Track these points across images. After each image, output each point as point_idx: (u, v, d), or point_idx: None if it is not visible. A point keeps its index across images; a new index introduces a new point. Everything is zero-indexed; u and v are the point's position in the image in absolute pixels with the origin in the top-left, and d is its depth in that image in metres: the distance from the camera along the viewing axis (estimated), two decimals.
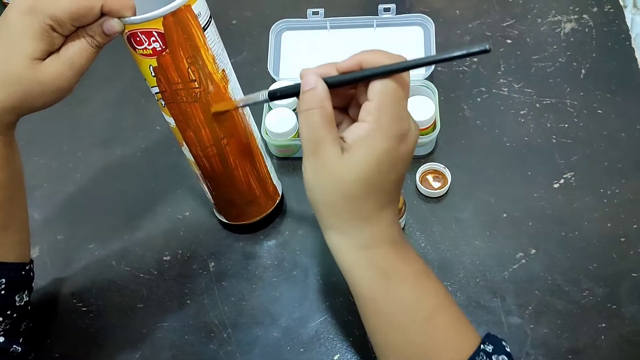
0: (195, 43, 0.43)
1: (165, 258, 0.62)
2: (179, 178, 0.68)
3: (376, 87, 0.37)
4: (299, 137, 0.61)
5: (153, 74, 0.45)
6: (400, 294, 0.41)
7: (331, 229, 0.41)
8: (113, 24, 0.41)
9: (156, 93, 0.47)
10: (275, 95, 0.43)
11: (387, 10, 0.73)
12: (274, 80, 0.70)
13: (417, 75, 0.68)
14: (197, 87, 0.46)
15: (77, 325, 0.58)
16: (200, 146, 0.51)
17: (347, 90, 0.41)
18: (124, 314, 0.58)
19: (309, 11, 0.74)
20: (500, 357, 0.40)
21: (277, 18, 0.74)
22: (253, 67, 0.76)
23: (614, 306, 0.54)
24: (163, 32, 0.41)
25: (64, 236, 0.65)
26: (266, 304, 0.57)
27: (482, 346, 0.41)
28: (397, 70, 0.37)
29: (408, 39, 0.72)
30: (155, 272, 0.61)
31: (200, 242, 0.63)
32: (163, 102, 0.47)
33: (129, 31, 0.42)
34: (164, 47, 0.42)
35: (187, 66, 0.44)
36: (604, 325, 0.53)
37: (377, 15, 0.73)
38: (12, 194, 0.48)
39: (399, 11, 0.74)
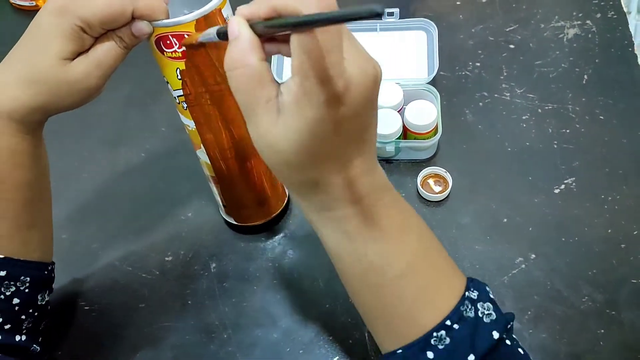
0: (223, 46, 0.44)
1: (167, 258, 0.62)
2: (182, 179, 0.68)
3: (294, 44, 0.31)
4: None
5: (179, 77, 0.45)
6: (367, 255, 0.38)
7: (287, 188, 0.39)
8: (142, 27, 0.41)
9: (179, 96, 0.47)
10: (222, 34, 0.38)
11: (390, 14, 0.74)
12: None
13: (420, 79, 0.68)
14: (222, 90, 0.46)
15: (80, 324, 0.59)
16: (219, 148, 0.51)
17: None
18: (126, 313, 0.59)
19: None
20: (485, 305, 0.38)
21: None
22: None
23: (613, 312, 0.54)
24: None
25: (68, 235, 0.66)
26: (267, 305, 0.58)
27: (466, 293, 0.39)
28: (310, 22, 0.29)
29: (411, 43, 0.73)
30: (158, 273, 0.61)
31: (203, 243, 0.63)
32: (185, 105, 0.48)
33: (158, 34, 0.42)
34: (194, 49, 0.43)
35: (215, 69, 0.44)
36: (602, 331, 0.53)
37: (381, 19, 0.74)
38: (39, 194, 0.48)
39: (402, 15, 0.74)
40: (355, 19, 0.27)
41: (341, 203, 0.37)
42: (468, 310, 0.38)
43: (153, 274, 0.61)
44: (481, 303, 0.39)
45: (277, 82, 0.34)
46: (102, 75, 0.42)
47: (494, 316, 0.38)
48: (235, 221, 0.62)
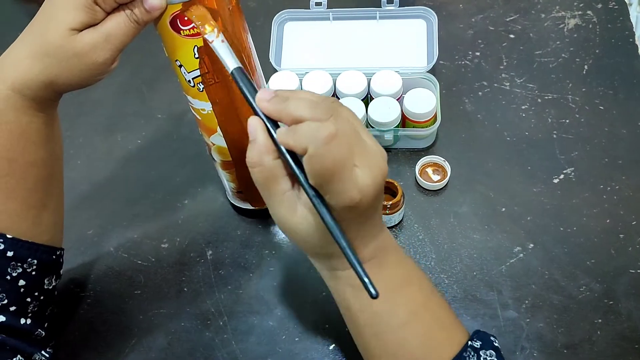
0: (237, 17, 0.44)
1: (163, 245, 0.62)
2: (179, 166, 0.68)
3: (307, 168, 0.36)
4: None
5: (196, 56, 0.44)
6: (372, 306, 0.41)
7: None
8: (154, 1, 0.41)
9: (195, 77, 0.46)
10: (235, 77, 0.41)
11: (390, 2, 0.73)
12: (275, 70, 0.70)
13: (419, 68, 0.68)
14: (241, 61, 0.46)
15: (74, 311, 0.58)
16: (239, 127, 0.50)
17: None
18: (121, 300, 0.59)
19: (312, 2, 0.74)
20: (488, 352, 0.40)
21: (280, 8, 0.74)
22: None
23: (611, 302, 0.54)
24: (214, 7, 0.42)
25: (64, 222, 0.65)
26: (262, 292, 0.58)
27: (469, 342, 0.41)
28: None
29: (410, 31, 0.72)
30: (153, 259, 0.61)
31: (199, 230, 0.63)
32: (201, 86, 0.47)
33: (175, 12, 0.42)
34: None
35: (231, 41, 0.44)
36: (600, 320, 0.53)
37: (380, 7, 0.73)
38: (50, 174, 0.48)
39: (402, 4, 0.73)
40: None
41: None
42: (470, 357, 0.40)
43: (149, 260, 0.61)
44: (484, 351, 0.40)
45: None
46: (111, 49, 0.41)
47: None
48: (253, 206, 0.60)
